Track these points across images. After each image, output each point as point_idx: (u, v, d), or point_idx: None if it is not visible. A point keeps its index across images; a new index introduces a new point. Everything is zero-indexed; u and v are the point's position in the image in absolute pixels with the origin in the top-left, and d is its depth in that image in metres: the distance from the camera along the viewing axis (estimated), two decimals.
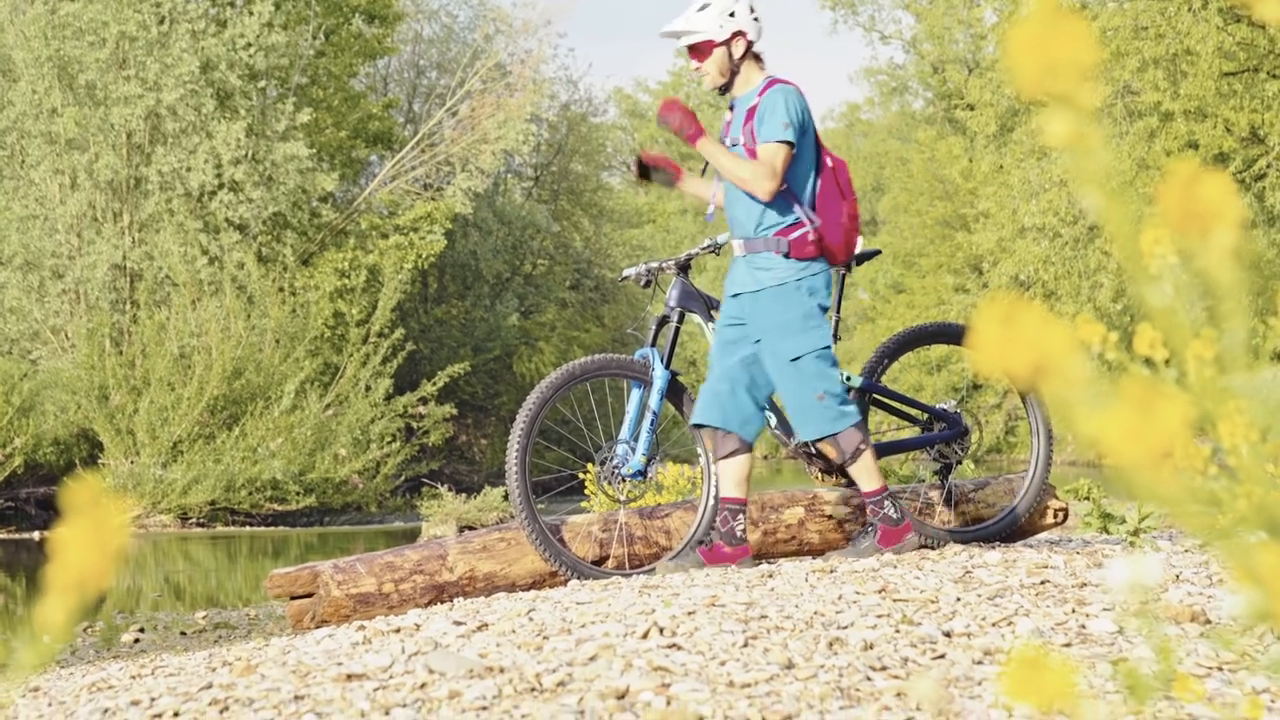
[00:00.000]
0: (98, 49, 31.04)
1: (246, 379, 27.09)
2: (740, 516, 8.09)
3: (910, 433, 9.07)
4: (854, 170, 69.23)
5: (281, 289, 30.80)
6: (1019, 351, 1.20)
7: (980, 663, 4.84)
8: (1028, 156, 41.33)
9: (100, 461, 26.39)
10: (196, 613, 12.73)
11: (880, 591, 6.18)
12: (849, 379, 8.70)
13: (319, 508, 27.11)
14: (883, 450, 8.73)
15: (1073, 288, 38.96)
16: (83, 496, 1.28)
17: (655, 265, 8.68)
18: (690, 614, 5.59)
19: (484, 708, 4.26)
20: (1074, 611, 5.72)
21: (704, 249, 8.68)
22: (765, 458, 71.36)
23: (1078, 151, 1.30)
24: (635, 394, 8.44)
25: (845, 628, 5.36)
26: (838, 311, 8.98)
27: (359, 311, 30.62)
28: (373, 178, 40.95)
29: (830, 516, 8.70)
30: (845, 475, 8.74)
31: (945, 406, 8.95)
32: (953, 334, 8.99)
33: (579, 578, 7.98)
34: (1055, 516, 9.03)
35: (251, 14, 32.55)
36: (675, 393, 8.49)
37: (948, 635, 5.28)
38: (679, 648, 5.00)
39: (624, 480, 8.33)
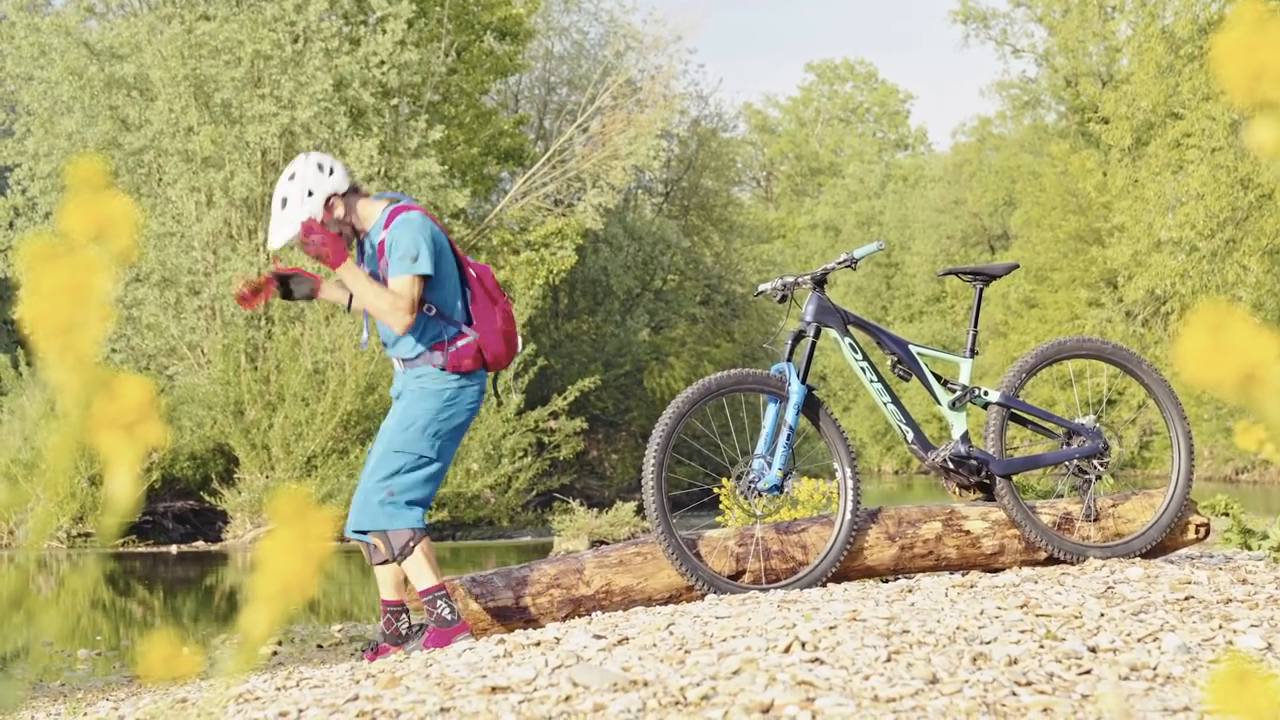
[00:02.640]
0: (233, 68, 31.40)
1: (379, 394, 27.24)
2: (404, 616, 8.07)
3: (1049, 448, 8.99)
4: (986, 185, 68.84)
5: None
6: (1227, 360, 1.19)
7: (1127, 678, 4.80)
8: (1164, 170, 40.98)
9: (236, 476, 26.64)
10: (332, 626, 12.83)
11: (1022, 607, 6.14)
12: (985, 393, 8.65)
13: (451, 522, 27.24)
14: (1021, 465, 8.67)
15: (1210, 302, 38.61)
16: (287, 506, 1.29)
17: (791, 280, 8.63)
18: (831, 628, 5.57)
19: None
20: (1220, 627, 5.66)
21: (840, 263, 8.64)
22: (896, 473, 71.08)
23: None
24: (771, 409, 8.41)
25: (988, 643, 5.32)
26: (975, 326, 8.93)
27: None
28: (504, 194, 41.16)
29: (968, 532, 8.64)
30: (983, 490, 8.69)
31: (1084, 421, 8.87)
32: (1092, 349, 8.91)
33: (716, 592, 7.96)
34: (1197, 532, 8.91)
35: (384, 32, 32.81)
36: (811, 407, 8.45)
37: (1093, 651, 5.23)
38: (822, 662, 4.98)
39: (760, 495, 8.30)
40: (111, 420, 1.22)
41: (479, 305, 8.15)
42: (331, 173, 8.09)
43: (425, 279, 7.92)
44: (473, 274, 8.21)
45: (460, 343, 8.03)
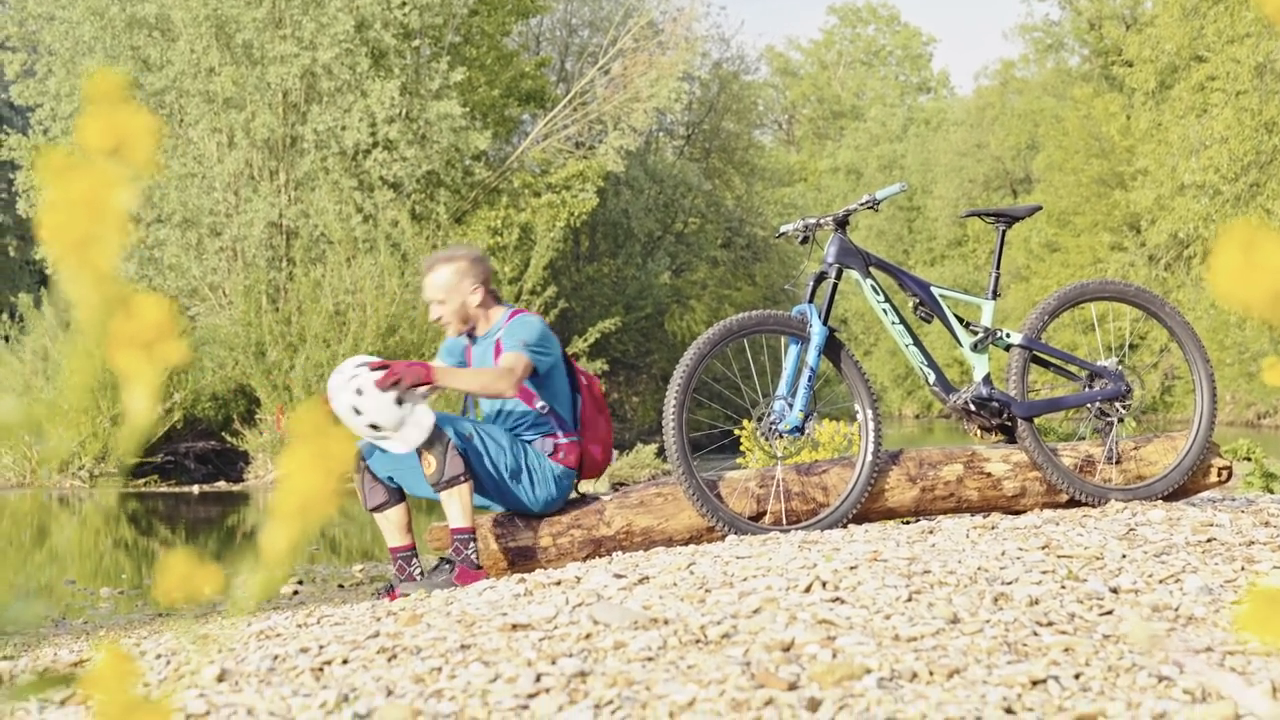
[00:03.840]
0: (254, 8, 31.34)
1: (400, 336, 27.23)
2: (414, 560, 8.16)
3: (1071, 390, 8.96)
4: (1008, 129, 68.67)
5: (435, 246, 30.94)
6: (1259, 279, 1.18)
7: (1149, 619, 4.79)
8: (1188, 113, 40.82)
9: (257, 417, 26.68)
10: (353, 566, 12.85)
11: (1044, 548, 6.13)
12: (1007, 335, 8.63)
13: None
14: (1043, 408, 8.65)
15: (1242, 222, 38.65)
16: (306, 423, 1.28)
17: (813, 221, 8.60)
18: (852, 568, 5.57)
19: (650, 658, 4.27)
20: (1243, 569, 5.65)
21: (862, 205, 8.59)
22: (917, 417, 71.09)
23: None
24: (793, 350, 8.38)
25: (1010, 583, 5.32)
26: (998, 268, 8.90)
27: (511, 269, 30.70)
28: (525, 136, 41.12)
29: (989, 474, 8.62)
30: (1004, 433, 8.67)
31: (1107, 364, 8.85)
32: (1115, 291, 8.88)
33: (736, 533, 7.97)
34: (1219, 475, 8.88)
35: None
36: (833, 349, 8.44)
37: (1114, 591, 5.22)
38: (842, 601, 4.98)
39: (781, 436, 8.29)
40: (130, 338, 1.22)
41: (587, 413, 8.43)
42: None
43: (529, 363, 8.05)
44: (584, 381, 8.48)
45: (563, 441, 8.28)
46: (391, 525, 8.17)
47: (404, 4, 32.69)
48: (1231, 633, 4.54)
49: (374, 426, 7.72)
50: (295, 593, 11.10)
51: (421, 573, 8.11)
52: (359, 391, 7.71)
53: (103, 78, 1.17)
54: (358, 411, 7.67)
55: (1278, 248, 1.21)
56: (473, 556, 7.81)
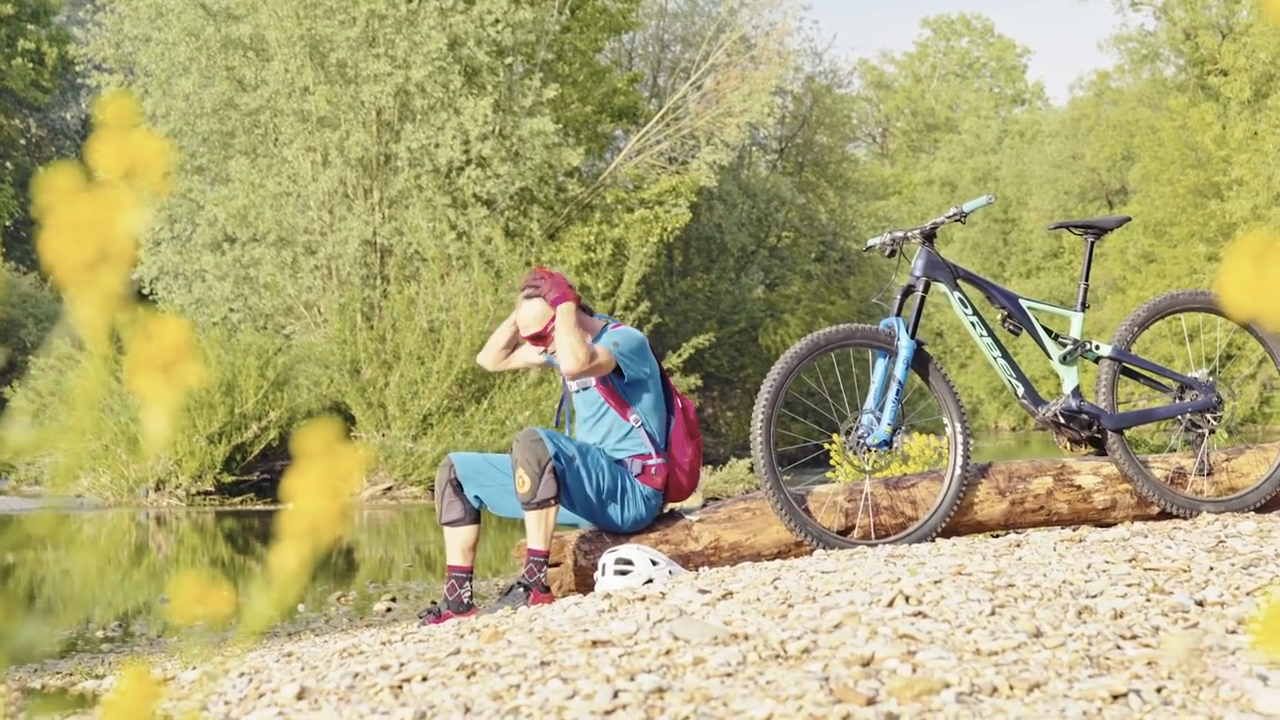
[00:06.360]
0: (348, 28, 31.53)
1: None
2: (467, 584, 8.17)
3: (1162, 402, 8.90)
4: (1103, 140, 68.23)
5: (528, 263, 31.03)
6: (1271, 291, 1.16)
7: (1234, 632, 4.74)
8: None
9: (352, 435, 26.79)
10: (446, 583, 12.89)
11: (1130, 560, 6.08)
12: (1097, 347, 8.57)
13: None
14: (1134, 420, 8.58)
15: (1254, 232, 38.24)
16: (315, 443, 1.29)
17: (900, 234, 8.58)
18: (936, 583, 5.54)
19: (728, 674, 4.26)
20: None
21: (950, 217, 8.56)
22: (1013, 429, 70.65)
23: None
24: (880, 364, 8.36)
25: (1094, 596, 5.28)
26: (1086, 279, 8.85)
27: (605, 285, 30.73)
28: (618, 152, 41.15)
29: (1079, 486, 8.57)
30: (1095, 445, 8.61)
31: (1197, 375, 8.78)
32: (1206, 302, 8.80)
33: (824, 547, 7.95)
34: None
35: None
36: (921, 362, 8.40)
37: (1200, 604, 5.18)
38: (925, 616, 4.96)
39: (869, 450, 8.26)
40: (148, 361, 1.22)
41: (678, 435, 8.44)
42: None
43: (614, 362, 8.15)
44: (679, 404, 8.50)
45: (653, 462, 8.28)
46: (459, 543, 8.20)
47: (497, 22, 32.80)
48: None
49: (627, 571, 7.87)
50: (388, 610, 11.15)
51: (471, 597, 8.14)
52: (623, 565, 7.85)
53: (114, 102, 1.18)
54: (624, 574, 7.80)
55: None
56: (544, 580, 7.84)
